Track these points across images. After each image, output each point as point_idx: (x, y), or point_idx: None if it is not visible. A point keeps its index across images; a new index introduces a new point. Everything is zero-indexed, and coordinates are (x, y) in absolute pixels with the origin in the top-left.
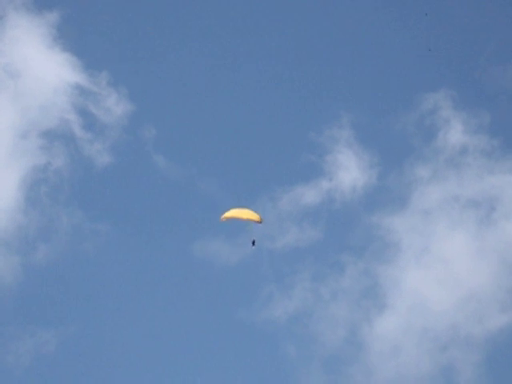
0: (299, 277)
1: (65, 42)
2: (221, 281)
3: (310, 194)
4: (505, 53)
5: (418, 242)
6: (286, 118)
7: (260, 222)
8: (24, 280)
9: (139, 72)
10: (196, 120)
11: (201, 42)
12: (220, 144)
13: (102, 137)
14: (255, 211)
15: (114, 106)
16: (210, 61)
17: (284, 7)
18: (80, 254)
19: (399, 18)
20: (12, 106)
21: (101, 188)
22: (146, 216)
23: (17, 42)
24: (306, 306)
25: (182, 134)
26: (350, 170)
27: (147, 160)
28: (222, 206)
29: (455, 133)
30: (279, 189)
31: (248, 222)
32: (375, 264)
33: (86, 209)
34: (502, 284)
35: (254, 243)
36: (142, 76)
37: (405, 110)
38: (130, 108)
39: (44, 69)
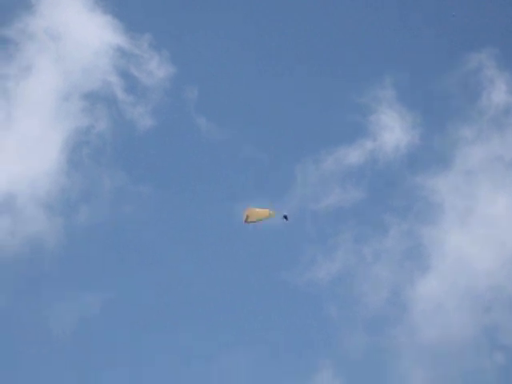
0: (342, 238)
1: (106, 5)
2: (264, 242)
3: (353, 155)
4: None
5: (462, 203)
6: (328, 79)
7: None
8: (67, 242)
9: (181, 34)
10: (238, 81)
11: (243, 4)
12: (262, 105)
13: (144, 99)
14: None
15: (156, 69)
16: (253, 23)
17: None
18: (123, 216)
19: None
20: (54, 68)
21: (143, 150)
22: (189, 178)
23: (58, 5)
24: (348, 267)
25: (223, 95)
26: (393, 131)
27: (189, 122)
28: (264, 168)
29: (499, 93)
30: (322, 150)
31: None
32: (418, 225)
33: (128, 171)
34: None
35: (286, 217)
36: (184, 38)
37: (448, 70)
38: (172, 70)
39: (85, 31)
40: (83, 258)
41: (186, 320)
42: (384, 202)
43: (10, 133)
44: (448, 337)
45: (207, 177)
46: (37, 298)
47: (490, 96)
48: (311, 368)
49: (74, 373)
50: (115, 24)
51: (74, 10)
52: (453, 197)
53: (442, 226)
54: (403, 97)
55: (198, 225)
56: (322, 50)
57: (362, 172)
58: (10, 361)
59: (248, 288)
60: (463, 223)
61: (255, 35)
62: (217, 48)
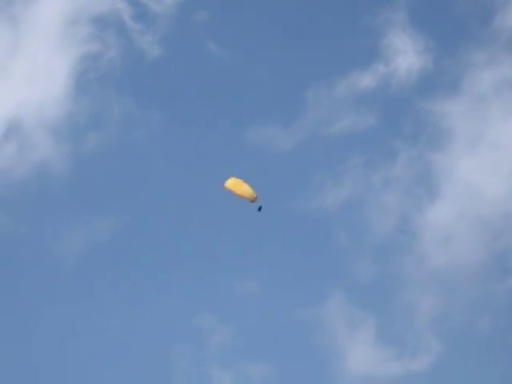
0: (351, 164)
1: None
2: (274, 167)
3: (365, 80)
4: None
5: (472, 129)
6: (341, 1)
7: (253, 201)
8: (75, 168)
9: None
10: (247, 4)
11: None
12: (273, 29)
13: (153, 27)
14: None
15: None
16: None
17: None
18: (131, 142)
19: None
20: None
21: (152, 76)
22: (199, 103)
23: None
24: (357, 193)
25: (233, 19)
26: (405, 55)
27: (199, 47)
28: (276, 93)
29: None
30: (335, 74)
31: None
32: (428, 151)
33: (137, 96)
34: None
35: (260, 209)
36: None
37: None
38: None
39: None
40: (91, 183)
41: (196, 245)
42: (395, 127)
43: (17, 58)
44: (457, 264)
45: (217, 102)
46: (45, 224)
47: (504, 19)
48: (321, 295)
49: (82, 298)
50: None
51: None
52: (463, 122)
53: (452, 152)
54: (416, 19)
55: (206, 150)
56: None
57: (374, 97)
58: (18, 286)
59: (256, 214)
60: (473, 149)
61: None
62: None
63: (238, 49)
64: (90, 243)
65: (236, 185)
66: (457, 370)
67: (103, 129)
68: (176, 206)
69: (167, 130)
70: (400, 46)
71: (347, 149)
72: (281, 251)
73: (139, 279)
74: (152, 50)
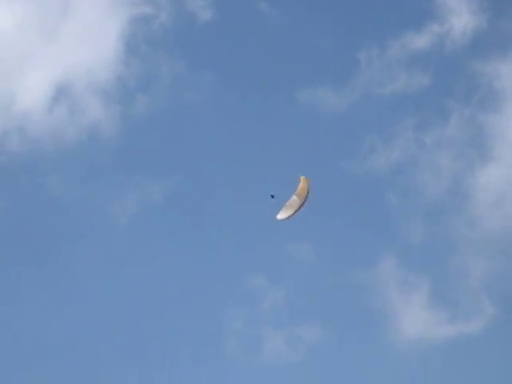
0: (403, 125)
1: None
2: (325, 129)
3: (419, 40)
4: None
5: None
6: None
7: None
8: (125, 131)
9: None
10: None
11: None
12: None
13: None
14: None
15: None
16: None
17: None
18: (182, 105)
19: None
20: None
21: (204, 39)
22: (250, 65)
23: None
24: (409, 155)
25: None
26: (459, 14)
27: (250, 9)
28: (328, 54)
29: None
30: (387, 35)
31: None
32: (481, 112)
33: (188, 58)
34: None
35: (272, 196)
36: None
37: None
38: None
39: None
40: (142, 146)
41: (249, 206)
42: (447, 88)
43: (67, 21)
44: (509, 227)
45: (269, 63)
46: (97, 187)
47: None
48: (373, 258)
49: (135, 258)
50: None
51: None
52: None
53: (506, 113)
54: None
55: (258, 111)
56: None
57: (428, 58)
58: (71, 248)
59: (309, 176)
60: None
61: None
62: None
63: (289, 9)
64: (143, 205)
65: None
66: (510, 333)
67: (153, 91)
68: (228, 168)
69: (218, 92)
70: (454, 5)
71: (399, 110)
72: (333, 214)
73: (191, 240)
74: (203, 12)
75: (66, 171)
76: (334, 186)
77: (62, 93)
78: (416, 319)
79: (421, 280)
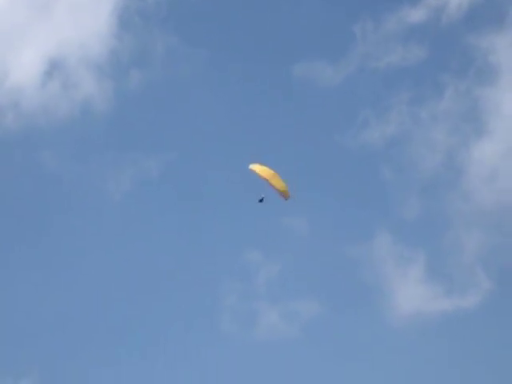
0: (398, 99)
1: None
2: (320, 102)
3: (415, 13)
4: None
5: None
6: None
7: (285, 198)
8: (118, 106)
9: None
10: None
11: None
12: None
13: None
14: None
15: None
16: None
17: None
18: (175, 79)
19: None
20: None
21: (198, 12)
22: (244, 38)
23: None
24: (403, 129)
25: None
26: None
27: None
28: (324, 27)
29: None
30: (384, 8)
31: (276, 191)
32: (477, 86)
33: (182, 33)
34: None
35: (261, 200)
36: None
37: None
38: None
39: None
40: (135, 121)
41: (244, 180)
42: (442, 62)
43: None
44: (503, 202)
45: (264, 37)
46: (91, 162)
47: None
48: (369, 232)
49: (130, 233)
50: None
51: None
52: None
53: (501, 87)
54: None
55: (253, 85)
56: None
57: (424, 31)
58: (64, 223)
59: (303, 150)
60: None
61: None
62: None
63: None
64: (137, 181)
65: (269, 174)
66: (506, 307)
67: (147, 66)
68: (223, 142)
69: (212, 66)
70: None
71: (394, 84)
72: (327, 189)
73: (187, 216)
74: None
75: (60, 146)
76: (328, 160)
77: (54, 68)
78: (412, 294)
79: (416, 255)
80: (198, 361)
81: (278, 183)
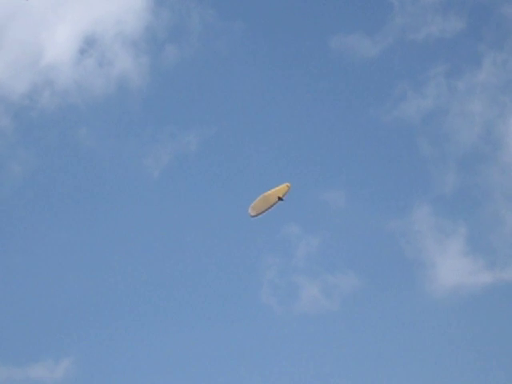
0: (435, 71)
1: None
2: (356, 75)
3: None
4: None
5: None
6: None
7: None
8: (154, 82)
9: None
10: None
11: None
12: None
13: None
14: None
15: None
16: None
17: None
18: (213, 54)
19: None
20: None
21: None
22: (282, 11)
23: None
24: (440, 103)
25: None
26: None
27: None
28: None
29: None
30: None
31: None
32: None
33: (218, 7)
34: None
35: (280, 199)
36: None
37: None
38: None
39: None
40: (172, 97)
41: (283, 153)
42: (481, 33)
43: None
44: None
45: (300, 10)
46: (128, 139)
47: None
48: (407, 206)
49: (169, 209)
50: None
51: None
52: None
53: None
54: None
55: (290, 59)
56: None
57: (462, 1)
58: (103, 202)
59: (339, 124)
60: None
61: None
62: None
63: None
64: (176, 156)
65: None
66: None
67: (183, 41)
68: (261, 117)
69: (250, 40)
70: None
71: (432, 56)
72: (365, 163)
73: (226, 191)
74: None
75: (97, 124)
76: (365, 134)
77: (89, 45)
78: (453, 267)
79: (456, 228)
80: (238, 334)
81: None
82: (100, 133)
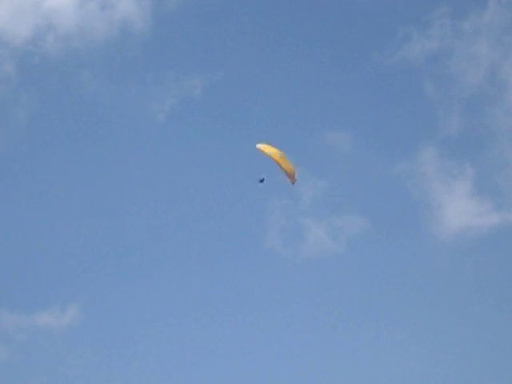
0: (439, 13)
1: None
2: (359, 17)
3: None
4: None
5: None
6: None
7: (292, 183)
8: (157, 25)
9: None
10: None
11: None
12: None
13: None
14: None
15: None
16: None
17: None
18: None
19: None
20: None
21: None
22: None
23: None
24: (445, 44)
25: None
26: None
27: None
28: None
29: None
30: None
31: (283, 173)
32: None
33: None
34: None
35: (262, 181)
36: None
37: None
38: None
39: None
40: (175, 40)
41: (289, 96)
42: None
43: None
44: None
45: None
46: (131, 82)
47: None
48: (413, 149)
49: (173, 155)
50: None
51: None
52: None
53: None
54: None
55: (293, 5)
56: None
57: None
58: (111, 145)
59: (340, 69)
60: None
61: None
62: None
63: None
64: (181, 100)
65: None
66: None
67: None
68: (266, 62)
69: None
70: None
71: None
72: (370, 104)
73: (231, 134)
74: None
75: (99, 68)
76: (370, 77)
77: None
78: (460, 209)
79: (463, 169)
80: (244, 278)
81: (287, 165)
82: (103, 77)
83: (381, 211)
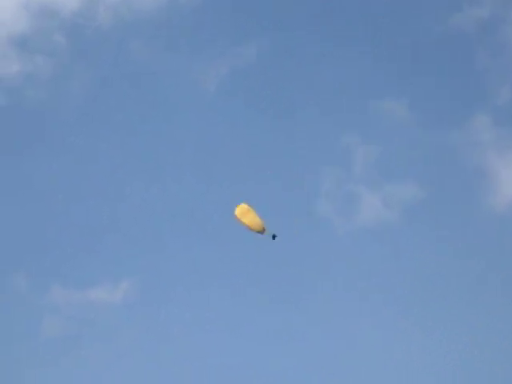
0: None
1: None
2: None
3: None
4: None
5: None
6: None
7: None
8: None
9: None
10: None
11: None
12: None
13: None
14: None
15: None
16: None
17: None
18: None
19: None
20: None
21: None
22: None
23: None
24: (497, 12)
25: None
26: None
27: None
28: None
29: None
30: None
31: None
32: None
33: None
34: None
35: (274, 237)
36: None
37: None
38: None
39: None
40: (225, 10)
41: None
42: None
43: None
44: None
45: None
46: (181, 52)
47: None
48: (466, 117)
49: (224, 126)
50: None
51: None
52: None
53: None
54: None
55: None
56: None
57: None
58: (163, 116)
59: (392, 35)
60: None
61: None
62: None
63: None
64: (232, 69)
65: (244, 213)
66: None
67: None
68: (321, 29)
69: None
70: None
71: None
72: (423, 73)
73: (284, 101)
74: None
75: (149, 39)
76: (422, 45)
77: None
78: None
79: None
80: (296, 246)
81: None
82: (153, 47)
83: (435, 179)
